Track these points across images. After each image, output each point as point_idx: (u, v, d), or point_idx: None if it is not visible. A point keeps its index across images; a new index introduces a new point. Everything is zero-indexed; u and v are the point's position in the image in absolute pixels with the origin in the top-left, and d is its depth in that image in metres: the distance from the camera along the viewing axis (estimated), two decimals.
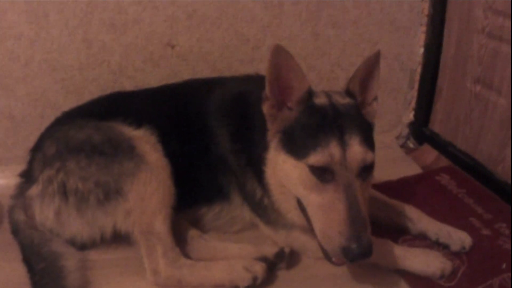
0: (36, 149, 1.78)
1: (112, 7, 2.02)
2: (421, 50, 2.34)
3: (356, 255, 1.35)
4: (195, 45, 2.12)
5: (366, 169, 1.42)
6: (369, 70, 1.51)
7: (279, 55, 1.42)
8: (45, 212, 1.65)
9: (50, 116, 1.99)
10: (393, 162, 2.30)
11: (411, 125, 2.49)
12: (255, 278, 1.58)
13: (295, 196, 1.48)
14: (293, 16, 2.14)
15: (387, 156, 2.26)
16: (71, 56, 2.05)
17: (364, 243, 1.35)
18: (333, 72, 2.25)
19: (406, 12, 2.26)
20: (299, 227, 1.59)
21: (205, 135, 1.76)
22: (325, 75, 2.24)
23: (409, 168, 2.26)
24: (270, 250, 1.67)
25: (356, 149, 1.39)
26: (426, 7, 2.28)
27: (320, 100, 1.48)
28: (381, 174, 2.02)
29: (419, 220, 1.80)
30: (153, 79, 2.13)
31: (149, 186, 1.63)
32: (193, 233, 1.78)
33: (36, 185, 1.67)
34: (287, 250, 1.67)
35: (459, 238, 1.74)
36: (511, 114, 1.99)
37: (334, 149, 1.38)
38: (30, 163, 1.78)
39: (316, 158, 1.39)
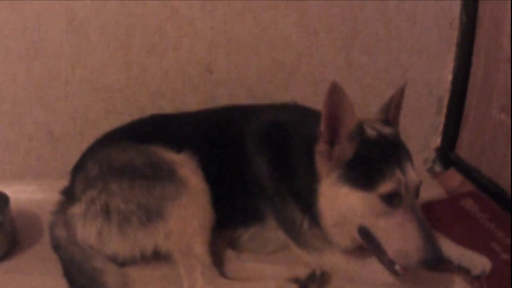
0: (78, 168, 1.86)
1: (152, 31, 2.12)
2: (450, 77, 2.40)
3: (436, 263, 1.51)
4: (232, 71, 2.21)
5: (418, 190, 1.59)
6: (399, 98, 1.67)
7: (336, 93, 1.52)
8: (87, 230, 1.73)
9: (89, 134, 2.08)
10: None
11: (438, 149, 2.55)
12: None
13: (357, 224, 1.58)
14: (327, 44, 2.24)
15: None
16: (112, 77, 2.14)
17: (439, 251, 1.51)
18: (364, 98, 2.32)
19: (436, 40, 2.33)
20: (343, 249, 1.69)
21: (243, 161, 1.85)
22: (357, 102, 2.15)
23: (435, 192, 2.33)
24: (302, 272, 1.74)
25: (413, 173, 1.56)
26: (455, 35, 2.34)
27: (371, 132, 1.59)
28: None
29: (443, 245, 1.84)
30: (191, 102, 2.21)
31: (190, 209, 1.71)
32: (229, 254, 1.86)
33: (79, 204, 1.76)
34: (318, 271, 1.73)
35: (480, 263, 1.82)
36: None
37: (399, 175, 1.53)
38: (72, 181, 1.86)
39: (387, 186, 1.52)
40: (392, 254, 1.54)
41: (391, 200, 1.53)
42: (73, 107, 2.15)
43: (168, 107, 2.21)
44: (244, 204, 1.87)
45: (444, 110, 2.47)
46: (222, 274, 1.77)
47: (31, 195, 2.17)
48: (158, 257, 1.77)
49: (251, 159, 1.87)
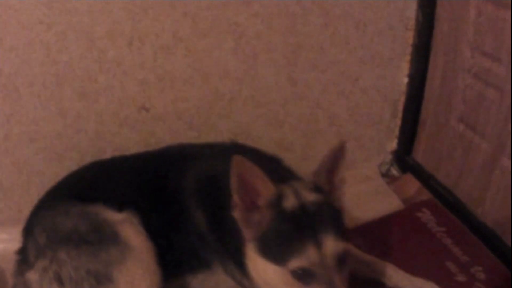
0: (28, 232, 1.87)
1: (81, 76, 2.03)
2: (405, 80, 2.33)
3: None
4: (169, 105, 2.14)
5: (343, 259, 1.52)
6: (334, 160, 1.56)
7: (240, 165, 1.49)
8: None
9: (36, 183, 2.15)
10: (375, 195, 2.39)
11: (394, 153, 2.53)
12: None
13: None
14: (268, 65, 2.14)
15: (368, 189, 2.39)
16: (48, 127, 2.08)
17: None
18: (313, 114, 2.27)
19: (389, 43, 2.24)
20: None
21: (183, 215, 1.84)
22: (305, 118, 2.26)
23: (390, 201, 2.34)
24: None
25: (332, 246, 1.48)
26: (411, 36, 2.25)
27: (289, 202, 1.54)
28: (363, 209, 2.23)
29: (392, 276, 1.94)
30: (131, 141, 2.17)
31: (136, 273, 1.72)
32: None
33: (34, 272, 1.76)
34: None
35: None
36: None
37: (311, 251, 1.47)
38: (24, 244, 1.86)
39: (296, 263, 1.48)
40: None
41: (303, 277, 1.50)
42: (16, 159, 2.12)
43: (108, 148, 2.17)
44: (189, 253, 1.87)
45: (400, 114, 2.41)
46: None
47: None
48: None
49: (191, 214, 1.85)
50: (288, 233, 1.52)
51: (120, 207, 1.83)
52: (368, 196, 2.33)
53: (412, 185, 2.44)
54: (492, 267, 2.03)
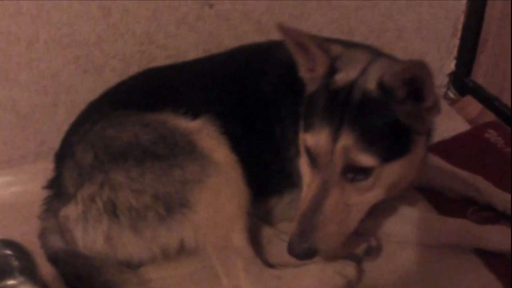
0: (64, 155, 1.50)
1: None
2: None
3: (293, 253, 1.30)
4: (237, 2, 1.83)
5: (358, 172, 1.27)
6: (414, 75, 1.23)
7: (287, 30, 1.32)
8: (91, 236, 1.43)
9: (65, 103, 1.82)
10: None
11: (452, 74, 2.36)
12: (349, 282, 1.46)
13: None
14: None
15: None
16: (85, 29, 1.74)
17: (302, 247, 1.28)
18: (383, 23, 2.06)
19: None
20: None
21: (269, 115, 1.54)
22: (376, 28, 2.06)
23: (455, 122, 2.19)
24: (359, 246, 1.54)
25: (344, 145, 1.26)
26: None
27: (344, 76, 1.30)
28: None
29: (487, 191, 1.73)
30: (189, 46, 1.87)
31: (222, 192, 1.44)
32: (268, 233, 1.63)
33: (74, 205, 1.43)
34: (374, 242, 1.56)
35: None
36: None
37: (323, 138, 1.28)
38: (59, 172, 1.51)
39: (307, 138, 1.33)
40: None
41: (311, 157, 1.33)
42: (40, 73, 1.73)
43: (160, 56, 1.86)
44: (275, 168, 1.59)
45: (459, 33, 2.25)
46: (264, 260, 1.52)
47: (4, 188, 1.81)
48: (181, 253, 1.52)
49: (278, 110, 1.55)
50: (319, 107, 1.32)
51: (195, 114, 1.50)
52: None
53: (473, 107, 2.28)
54: None
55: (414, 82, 1.23)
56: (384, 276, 1.56)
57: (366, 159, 1.27)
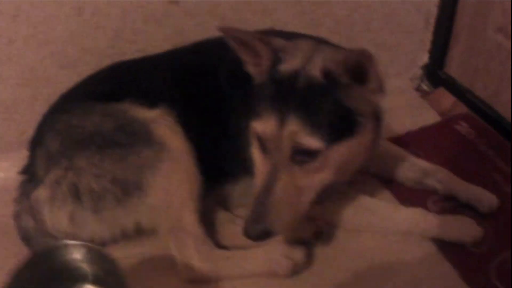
0: (36, 142, 1.61)
1: None
2: None
3: (248, 235, 1.36)
4: None
5: (306, 154, 1.33)
6: (357, 62, 1.28)
7: (229, 31, 1.41)
8: (57, 217, 1.52)
9: (43, 95, 1.89)
10: (410, 107, 2.28)
11: (426, 67, 2.39)
12: (296, 265, 1.55)
13: None
14: None
15: (403, 101, 2.27)
16: (60, 27, 1.83)
17: (256, 229, 1.34)
18: (350, 17, 2.11)
19: None
20: None
21: (223, 105, 1.63)
22: (342, 21, 2.10)
23: (426, 114, 2.23)
24: (307, 230, 1.63)
25: (291, 130, 1.33)
26: None
27: (288, 66, 1.36)
28: (398, 120, 2.10)
29: (448, 181, 1.76)
30: (156, 41, 1.94)
31: (174, 177, 1.52)
32: (222, 217, 1.75)
33: (43, 188, 1.53)
34: (324, 228, 1.65)
35: (487, 200, 1.71)
36: None
37: (271, 124, 1.35)
38: (32, 158, 1.61)
39: (256, 126, 1.39)
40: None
41: (261, 144, 1.41)
42: (20, 68, 1.84)
43: (130, 50, 1.92)
44: (230, 156, 1.66)
45: (432, 26, 2.29)
46: (217, 242, 1.64)
47: None
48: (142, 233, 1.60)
49: (232, 108, 1.63)
50: (265, 95, 1.39)
51: (153, 104, 1.59)
52: (402, 109, 2.19)
53: (446, 99, 2.30)
54: None
55: (357, 68, 1.28)
56: (337, 262, 1.60)
57: (312, 142, 1.33)
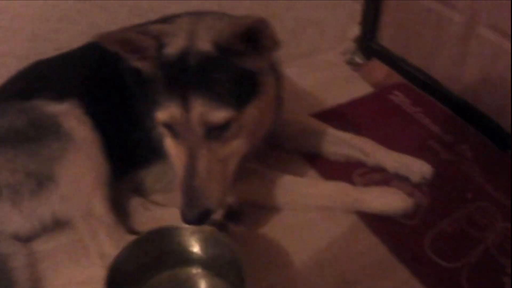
0: None
1: None
2: None
3: (188, 221, 1.38)
4: None
5: (219, 128, 1.35)
6: (248, 29, 1.32)
7: (105, 37, 1.38)
8: None
9: None
10: (342, 80, 2.27)
11: (358, 39, 2.39)
12: None
13: None
14: None
15: (334, 75, 2.26)
16: None
17: (194, 212, 1.35)
18: None
19: None
20: None
21: (127, 95, 1.68)
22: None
23: (358, 87, 2.22)
24: (218, 213, 1.63)
25: (197, 111, 1.33)
26: None
27: (173, 48, 1.37)
28: (329, 95, 2.10)
29: (374, 152, 1.78)
30: (73, 38, 1.96)
31: (80, 166, 1.58)
32: (135, 202, 1.77)
33: None
34: (235, 206, 1.67)
35: (418, 169, 1.73)
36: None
37: (173, 110, 1.36)
38: None
39: (158, 116, 1.40)
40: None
41: (171, 130, 1.42)
42: None
43: (48, 49, 1.94)
44: (139, 141, 1.70)
45: None
46: (130, 227, 1.69)
47: None
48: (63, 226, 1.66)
49: (132, 87, 1.68)
50: (161, 83, 1.39)
51: (62, 98, 1.65)
52: (334, 82, 2.23)
53: (380, 70, 2.30)
54: (479, 144, 1.90)
55: (251, 34, 1.31)
56: (261, 240, 1.64)
57: (222, 115, 1.35)
